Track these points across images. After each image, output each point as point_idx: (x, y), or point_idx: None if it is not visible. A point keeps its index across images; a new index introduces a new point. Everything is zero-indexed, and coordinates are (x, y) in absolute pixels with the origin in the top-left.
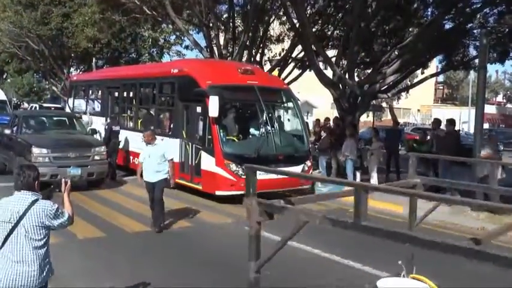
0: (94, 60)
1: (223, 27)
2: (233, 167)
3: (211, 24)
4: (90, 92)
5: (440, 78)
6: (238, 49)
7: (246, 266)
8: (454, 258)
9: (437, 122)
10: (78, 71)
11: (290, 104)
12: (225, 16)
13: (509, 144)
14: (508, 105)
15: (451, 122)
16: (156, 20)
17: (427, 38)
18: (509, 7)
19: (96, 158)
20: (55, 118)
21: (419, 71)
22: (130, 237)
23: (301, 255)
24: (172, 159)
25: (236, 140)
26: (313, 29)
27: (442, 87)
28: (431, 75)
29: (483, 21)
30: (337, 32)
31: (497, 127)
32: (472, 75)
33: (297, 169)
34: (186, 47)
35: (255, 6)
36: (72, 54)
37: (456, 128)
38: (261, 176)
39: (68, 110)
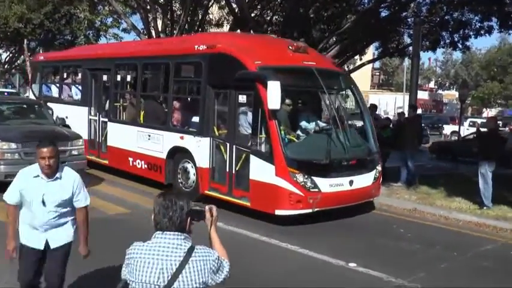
0: (26, 41)
1: (161, 11)
2: (300, 177)
3: (148, 7)
4: (65, 75)
5: (377, 64)
6: (176, 33)
7: None
8: None
9: (373, 107)
10: (12, 53)
11: (350, 92)
12: None
13: (435, 128)
14: (440, 92)
15: (414, 108)
16: (92, 1)
17: (364, 25)
18: None
19: (74, 152)
20: (16, 105)
21: (357, 57)
22: None
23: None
24: (86, 207)
25: (298, 140)
26: (252, 14)
27: (378, 74)
28: (368, 62)
29: (416, 11)
30: (276, 17)
31: (429, 112)
32: (407, 62)
33: (369, 177)
34: (124, 30)
35: None
36: (1, 35)
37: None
38: (332, 188)
39: (32, 97)
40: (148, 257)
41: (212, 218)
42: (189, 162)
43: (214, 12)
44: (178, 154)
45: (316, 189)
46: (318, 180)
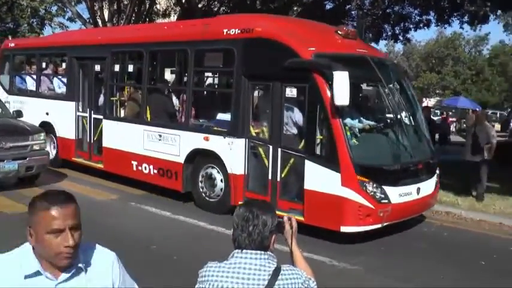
0: None
1: (107, 0)
2: (369, 187)
3: None
4: (44, 64)
5: None
6: (123, 22)
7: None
8: None
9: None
10: None
11: (401, 84)
12: None
13: None
14: None
15: None
16: None
17: (309, 17)
18: None
19: (35, 147)
20: None
21: None
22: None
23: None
24: None
25: (363, 142)
26: (200, 5)
27: None
28: None
29: (360, 4)
30: (224, 8)
31: None
32: None
33: (432, 183)
34: (69, 19)
35: None
36: None
37: None
38: (401, 198)
39: None
40: (226, 279)
41: (292, 230)
42: (214, 168)
43: (162, 2)
44: (200, 158)
45: (386, 201)
46: (388, 189)
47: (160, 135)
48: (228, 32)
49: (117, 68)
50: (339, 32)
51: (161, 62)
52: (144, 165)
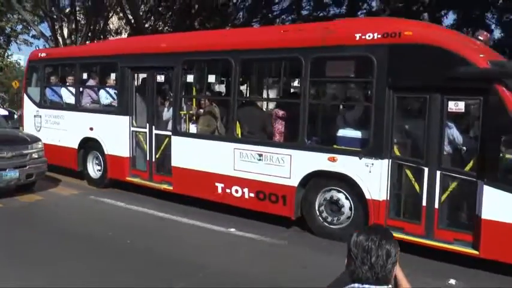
0: None
1: (66, 19)
2: None
3: (55, 16)
4: (85, 75)
5: None
6: (80, 39)
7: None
8: None
9: None
10: None
11: None
12: (67, 10)
13: None
14: None
15: None
16: (1, 10)
17: None
18: (299, 15)
19: (34, 156)
20: None
21: None
22: None
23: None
24: None
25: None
26: (146, 25)
27: None
28: None
29: (283, 24)
30: (167, 28)
31: None
32: None
33: None
34: (33, 36)
35: (94, 2)
36: None
37: None
38: None
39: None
40: None
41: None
42: (340, 191)
43: (114, 22)
44: (318, 180)
45: None
46: None
47: (260, 155)
48: (363, 37)
49: (190, 78)
50: (479, 37)
51: (256, 71)
52: (235, 188)
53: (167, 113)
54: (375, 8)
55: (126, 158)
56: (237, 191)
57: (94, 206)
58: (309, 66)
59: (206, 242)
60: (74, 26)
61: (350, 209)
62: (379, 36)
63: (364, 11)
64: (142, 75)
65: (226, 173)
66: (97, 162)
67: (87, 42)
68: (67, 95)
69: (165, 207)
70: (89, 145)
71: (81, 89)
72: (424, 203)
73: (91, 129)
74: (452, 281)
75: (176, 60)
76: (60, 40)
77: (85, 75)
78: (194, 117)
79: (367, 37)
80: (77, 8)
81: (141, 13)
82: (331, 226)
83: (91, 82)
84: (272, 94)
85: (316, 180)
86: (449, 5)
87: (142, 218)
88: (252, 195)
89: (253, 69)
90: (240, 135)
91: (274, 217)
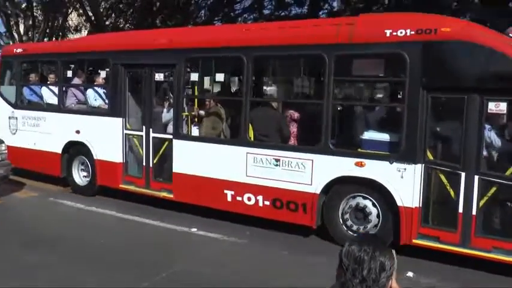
0: None
1: (22, 15)
2: None
3: (9, 12)
4: (69, 73)
5: None
6: (38, 36)
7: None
8: None
9: None
10: None
11: None
12: (24, 5)
13: None
14: None
15: None
16: None
17: None
18: (261, 14)
19: None
20: None
21: None
22: None
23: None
24: None
25: None
26: (107, 22)
27: None
28: None
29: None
30: (128, 25)
31: None
32: None
33: None
34: None
35: None
36: None
37: None
38: None
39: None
40: None
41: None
42: (366, 198)
43: (73, 18)
44: (341, 187)
45: None
46: None
47: (277, 160)
48: (394, 34)
49: (194, 77)
50: (510, 34)
51: (272, 70)
52: (248, 195)
53: (167, 115)
54: (336, 8)
55: (118, 164)
56: (249, 199)
57: (52, 208)
58: (333, 65)
59: (169, 242)
60: (31, 22)
61: (377, 216)
62: (413, 32)
63: (326, 11)
64: (137, 74)
65: (237, 180)
66: (83, 168)
67: (45, 39)
68: (48, 95)
69: (127, 208)
70: (75, 149)
71: (64, 88)
72: (460, 210)
73: (77, 132)
74: (410, 274)
75: (178, 58)
76: (16, 37)
77: (69, 73)
78: (196, 119)
79: (398, 34)
80: (34, 4)
81: (101, 10)
82: (355, 235)
83: (76, 81)
84: (289, 94)
85: (339, 186)
86: (406, 6)
87: (101, 219)
88: (267, 203)
89: (267, 68)
90: (253, 139)
91: (237, 216)
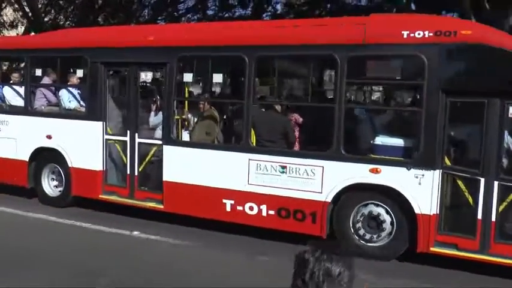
0: None
1: None
2: None
3: None
4: (38, 72)
5: None
6: None
7: None
8: None
9: None
10: None
11: None
12: None
13: None
14: None
15: None
16: None
17: None
18: (204, 15)
19: None
20: None
21: None
22: None
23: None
24: None
25: None
26: (46, 19)
27: None
28: None
29: (187, 23)
30: (69, 23)
31: None
32: None
33: None
34: None
35: None
36: None
37: None
38: None
39: None
40: None
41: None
42: (379, 206)
43: (8, 13)
44: (352, 194)
45: None
46: None
47: (283, 167)
48: (412, 35)
49: (187, 77)
50: None
51: (277, 71)
52: (249, 204)
53: (155, 119)
54: (280, 11)
55: (98, 172)
56: (251, 208)
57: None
58: (345, 66)
59: (110, 246)
60: None
61: (391, 224)
62: (431, 34)
63: (269, 13)
64: (119, 73)
65: (238, 188)
66: (54, 177)
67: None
68: (11, 96)
69: (65, 214)
70: (44, 156)
71: (32, 89)
72: (479, 216)
73: (48, 137)
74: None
75: (170, 56)
76: None
77: (38, 72)
78: (187, 123)
79: (416, 35)
80: None
81: (39, 5)
82: (368, 244)
83: (46, 80)
84: (296, 97)
85: (350, 194)
86: (348, 11)
87: (35, 225)
88: (271, 212)
89: (272, 69)
90: (255, 144)
91: (177, 218)
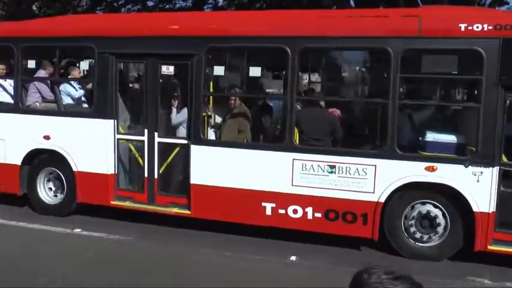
0: None
1: None
2: None
3: None
4: (30, 63)
5: None
6: None
7: None
8: None
9: None
10: None
11: None
12: None
13: None
14: None
15: None
16: None
17: None
18: (144, 6)
19: None
20: None
21: None
22: None
23: None
24: None
25: None
26: None
27: None
28: None
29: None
30: (1, 12)
31: None
32: None
33: None
34: None
35: None
36: None
37: None
38: None
39: None
40: None
41: None
42: (433, 205)
43: None
44: (405, 193)
45: None
46: None
47: (332, 166)
48: (470, 28)
49: (219, 71)
50: None
51: (324, 64)
52: (293, 207)
53: (179, 116)
54: (221, 3)
55: (108, 176)
56: (295, 212)
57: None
58: (399, 60)
59: (53, 246)
60: None
61: (445, 223)
62: (491, 27)
63: (210, 5)
64: (134, 66)
65: (280, 190)
66: (52, 182)
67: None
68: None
69: (7, 214)
70: (41, 159)
71: (23, 83)
72: None
73: (46, 137)
74: (293, 258)
75: (198, 47)
76: None
77: (31, 64)
78: (213, 121)
79: (474, 28)
80: None
81: None
82: (419, 244)
83: (42, 73)
84: (344, 92)
85: (402, 193)
86: (289, 5)
87: None
88: (318, 215)
89: (316, 61)
90: (300, 143)
91: (122, 213)
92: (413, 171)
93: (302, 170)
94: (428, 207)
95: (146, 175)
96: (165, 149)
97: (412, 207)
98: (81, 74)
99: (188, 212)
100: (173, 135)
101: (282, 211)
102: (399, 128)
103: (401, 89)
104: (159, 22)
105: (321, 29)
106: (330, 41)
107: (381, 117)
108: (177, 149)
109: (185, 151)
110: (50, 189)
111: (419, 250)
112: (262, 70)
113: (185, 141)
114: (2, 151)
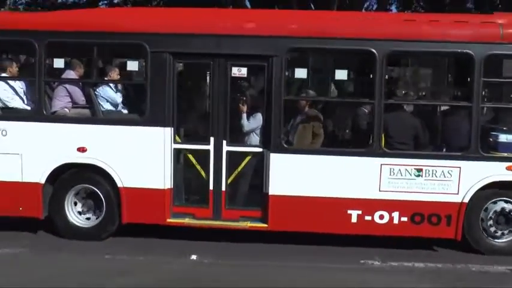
0: None
1: None
2: None
3: None
4: (57, 63)
5: None
6: None
7: None
8: None
9: None
10: None
11: None
12: None
13: None
14: None
15: None
16: None
17: None
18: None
19: None
20: None
21: None
22: None
23: None
24: None
25: None
26: None
27: None
28: None
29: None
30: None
31: None
32: None
33: None
34: None
35: None
36: None
37: None
38: None
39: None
40: None
41: None
42: (508, 202)
43: None
44: (481, 192)
45: None
46: None
47: (419, 170)
48: None
49: (300, 73)
50: None
51: (410, 68)
52: (380, 213)
53: (252, 122)
54: (116, 0)
55: (164, 191)
56: (381, 217)
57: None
58: (482, 65)
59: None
60: None
61: None
62: None
63: (106, 1)
64: (197, 67)
65: (367, 196)
66: (81, 202)
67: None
68: (7, 95)
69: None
70: (71, 176)
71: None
72: None
73: (81, 150)
74: (193, 257)
75: (277, 48)
76: None
77: (58, 63)
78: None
79: None
80: None
81: None
82: (497, 241)
83: (71, 74)
84: (429, 96)
85: (480, 192)
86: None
87: None
88: (404, 219)
89: (405, 66)
90: (386, 148)
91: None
92: (495, 171)
93: (390, 174)
94: (504, 204)
95: (211, 187)
96: (235, 158)
97: (490, 206)
98: (118, 77)
99: (264, 225)
100: (243, 142)
101: (368, 218)
102: (482, 130)
103: (484, 93)
104: (231, 19)
105: (409, 32)
106: (415, 45)
107: (465, 120)
108: (248, 157)
109: (257, 160)
110: (80, 212)
111: (499, 247)
112: (348, 73)
113: (259, 149)
114: (17, 168)
